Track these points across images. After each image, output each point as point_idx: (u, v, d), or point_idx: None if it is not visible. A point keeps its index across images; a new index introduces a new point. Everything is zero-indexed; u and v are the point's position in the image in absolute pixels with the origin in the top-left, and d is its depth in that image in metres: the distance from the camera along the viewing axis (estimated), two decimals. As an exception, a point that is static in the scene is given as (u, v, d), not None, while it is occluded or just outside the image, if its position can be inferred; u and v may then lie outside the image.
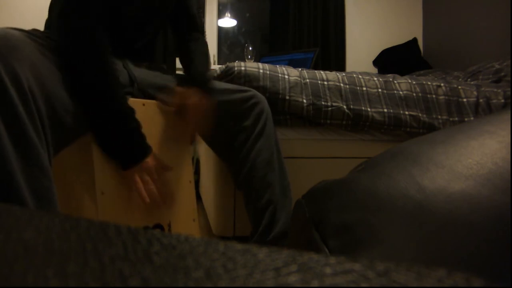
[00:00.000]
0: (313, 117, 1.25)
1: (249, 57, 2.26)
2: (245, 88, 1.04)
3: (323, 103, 1.25)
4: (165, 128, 0.93)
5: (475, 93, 1.41)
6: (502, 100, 1.40)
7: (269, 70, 1.25)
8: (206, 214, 1.47)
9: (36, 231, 0.17)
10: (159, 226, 0.89)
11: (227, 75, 1.23)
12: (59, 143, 0.70)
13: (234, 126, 0.99)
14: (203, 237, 0.16)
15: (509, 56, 1.85)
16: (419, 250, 0.25)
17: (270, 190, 0.98)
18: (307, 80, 1.27)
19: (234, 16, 3.15)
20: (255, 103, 1.01)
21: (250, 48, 2.27)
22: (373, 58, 2.96)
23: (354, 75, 1.35)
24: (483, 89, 1.44)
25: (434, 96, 1.36)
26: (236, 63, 1.24)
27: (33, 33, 0.72)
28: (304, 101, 1.23)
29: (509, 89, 1.45)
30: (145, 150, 0.81)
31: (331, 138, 1.33)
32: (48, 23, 0.92)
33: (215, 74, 1.31)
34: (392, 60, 2.86)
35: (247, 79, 1.21)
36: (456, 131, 0.34)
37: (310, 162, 1.32)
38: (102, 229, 0.17)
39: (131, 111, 0.80)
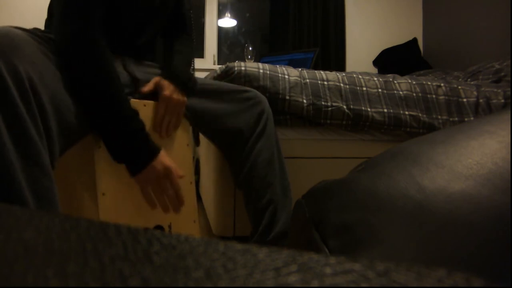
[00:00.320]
0: (313, 117, 1.25)
1: (249, 57, 2.26)
2: (246, 88, 1.04)
3: (323, 103, 1.25)
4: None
5: (475, 93, 1.41)
6: (502, 100, 1.40)
7: (269, 70, 1.25)
8: (206, 214, 1.47)
9: (36, 231, 0.17)
10: (159, 228, 0.89)
11: (227, 75, 1.23)
12: (64, 142, 0.70)
13: (235, 126, 0.99)
14: (203, 237, 0.16)
15: (509, 56, 1.85)
16: (419, 250, 0.25)
17: (270, 190, 0.98)
18: (307, 80, 1.27)
19: (234, 16, 3.15)
20: (255, 103, 1.01)
21: (250, 48, 2.27)
22: (373, 58, 2.96)
23: (354, 75, 1.35)
24: (483, 89, 1.44)
25: (434, 96, 1.36)
26: (236, 63, 1.24)
27: (35, 32, 0.72)
28: (304, 101, 1.23)
29: (509, 89, 1.45)
30: (152, 152, 0.79)
31: (331, 138, 1.33)
32: (47, 23, 0.92)
33: (215, 74, 1.31)
34: (392, 60, 2.86)
35: (247, 79, 1.21)
36: (456, 131, 0.34)
37: (310, 162, 1.32)
38: (102, 229, 0.17)
39: (134, 114, 0.78)
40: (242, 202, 1.05)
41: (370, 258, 0.25)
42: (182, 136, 0.97)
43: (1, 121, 0.57)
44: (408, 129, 1.31)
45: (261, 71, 1.23)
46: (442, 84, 1.40)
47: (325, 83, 1.28)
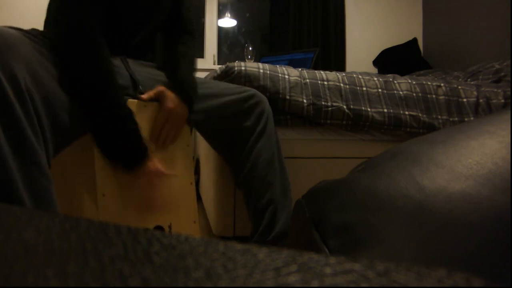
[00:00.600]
0: (313, 117, 1.25)
1: (249, 57, 2.26)
2: (246, 88, 1.04)
3: (323, 103, 1.25)
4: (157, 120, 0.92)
5: (475, 93, 1.41)
6: (502, 100, 1.40)
7: (269, 70, 1.25)
8: (206, 214, 1.47)
9: (36, 231, 0.17)
10: (159, 228, 0.89)
11: (227, 75, 1.23)
12: (58, 142, 0.70)
13: (235, 126, 0.99)
14: (203, 237, 0.16)
15: (509, 56, 1.85)
16: (419, 250, 0.25)
17: (270, 190, 0.98)
18: (307, 80, 1.27)
19: (234, 16, 3.15)
20: (256, 102, 1.00)
21: (250, 48, 2.27)
22: (373, 58, 2.96)
23: (354, 75, 1.35)
24: (483, 89, 1.44)
25: (434, 96, 1.36)
26: (236, 63, 1.24)
27: (31, 32, 0.72)
28: (304, 101, 1.23)
29: (509, 89, 1.45)
30: (143, 153, 0.80)
31: (331, 138, 1.33)
32: (47, 23, 0.92)
33: (215, 74, 1.31)
34: (392, 60, 2.86)
35: (247, 79, 1.21)
36: (456, 131, 0.34)
37: (310, 162, 1.32)
38: (102, 229, 0.17)
39: (129, 112, 0.78)
40: (242, 202, 1.05)
41: (370, 258, 0.25)
42: (182, 136, 0.97)
43: None
44: (408, 129, 1.31)
45: (261, 71, 1.23)
46: (442, 84, 1.40)
47: (325, 83, 1.28)
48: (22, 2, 2.59)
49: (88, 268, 0.13)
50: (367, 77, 1.36)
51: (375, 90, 1.32)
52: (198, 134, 1.41)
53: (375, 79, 1.36)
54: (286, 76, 1.25)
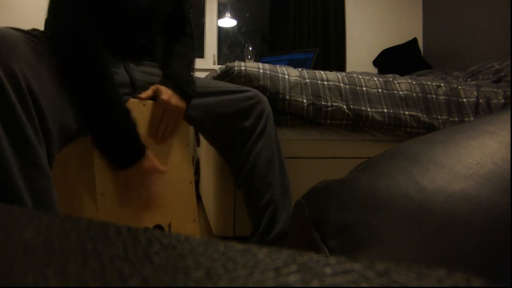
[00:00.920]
0: (313, 117, 1.25)
1: (249, 57, 2.26)
2: (246, 88, 1.04)
3: (323, 103, 1.25)
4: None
5: (475, 93, 1.41)
6: (502, 100, 1.40)
7: (269, 70, 1.25)
8: (206, 214, 1.47)
9: (36, 231, 0.17)
10: (159, 227, 0.89)
11: (227, 75, 1.23)
12: (60, 142, 0.70)
13: (235, 126, 0.99)
14: (203, 237, 0.16)
15: (509, 56, 1.85)
16: (419, 250, 0.25)
17: (270, 190, 0.98)
18: (307, 80, 1.27)
19: (234, 16, 3.15)
20: (256, 102, 1.00)
21: (250, 48, 2.27)
22: (373, 58, 2.96)
23: (354, 75, 1.35)
24: (483, 89, 1.44)
25: (434, 96, 1.36)
26: (236, 63, 1.24)
27: (31, 33, 0.72)
28: (304, 101, 1.23)
29: (509, 89, 1.45)
30: (140, 152, 0.80)
31: (331, 138, 1.33)
32: (47, 23, 0.92)
33: (215, 74, 1.31)
34: (392, 60, 2.86)
35: (247, 79, 1.21)
36: (456, 131, 0.34)
37: (310, 162, 1.32)
38: (102, 229, 0.17)
39: (127, 111, 0.79)
40: (242, 202, 1.05)
41: (370, 258, 0.25)
42: (182, 136, 0.97)
43: None
44: (408, 129, 1.31)
45: (261, 71, 1.23)
46: (442, 84, 1.40)
47: (325, 83, 1.28)
48: (22, 2, 2.59)
49: (88, 268, 0.13)
50: (367, 77, 1.36)
51: (375, 90, 1.32)
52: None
53: (375, 79, 1.36)
54: (286, 76, 1.25)
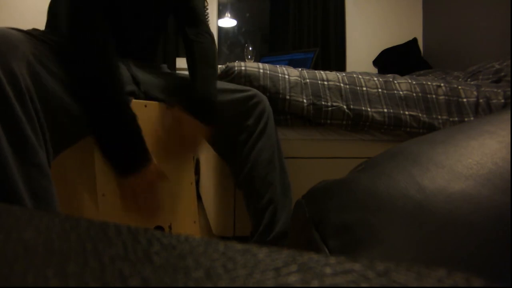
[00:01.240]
0: (313, 117, 1.25)
1: (249, 57, 2.26)
2: (247, 87, 1.04)
3: (323, 103, 1.25)
4: (167, 129, 0.92)
5: (475, 93, 1.41)
6: (502, 100, 1.40)
7: (269, 70, 1.25)
8: (206, 214, 1.47)
9: (36, 231, 0.17)
10: (159, 228, 0.89)
11: (227, 75, 1.23)
12: (59, 144, 0.70)
13: (236, 125, 0.99)
14: (203, 237, 0.16)
15: (509, 56, 1.85)
16: (419, 250, 0.25)
17: (271, 190, 0.97)
18: (307, 80, 1.27)
19: (234, 16, 3.15)
20: (256, 102, 1.00)
21: (250, 48, 2.26)
22: (373, 58, 2.96)
23: (354, 75, 1.35)
24: (483, 89, 1.44)
25: (434, 96, 1.36)
26: (236, 63, 1.24)
27: (33, 33, 0.71)
28: (304, 101, 1.23)
29: (509, 89, 1.45)
30: (146, 157, 0.79)
31: (331, 138, 1.33)
32: (47, 24, 0.92)
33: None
34: (392, 60, 2.86)
35: (248, 79, 1.21)
36: (456, 131, 0.34)
37: (310, 162, 1.32)
38: (102, 229, 0.17)
39: (133, 116, 0.78)
40: (242, 202, 1.05)
41: (370, 258, 0.25)
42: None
43: None
44: (408, 129, 1.31)
45: (261, 71, 1.23)
46: (442, 84, 1.40)
47: (325, 83, 1.28)
48: (22, 2, 2.59)
49: (88, 268, 0.13)
50: (367, 77, 1.36)
51: (375, 90, 1.32)
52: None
53: (375, 79, 1.36)
54: (286, 76, 1.25)
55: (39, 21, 0.89)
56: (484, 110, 1.37)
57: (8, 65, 0.59)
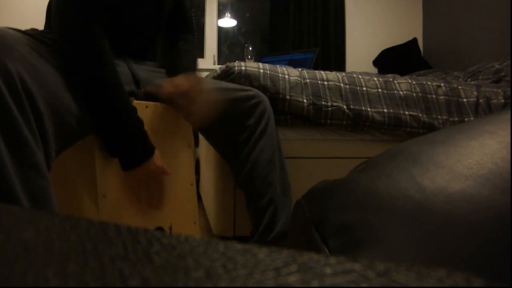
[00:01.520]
0: (313, 117, 1.25)
1: (249, 57, 2.26)
2: (247, 87, 1.04)
3: (323, 103, 1.25)
4: (168, 130, 0.93)
5: (475, 93, 1.41)
6: (502, 100, 1.40)
7: (269, 70, 1.25)
8: (206, 214, 1.47)
9: (36, 231, 0.17)
10: (160, 229, 0.89)
11: (227, 75, 1.23)
12: (59, 144, 0.70)
13: (236, 125, 0.99)
14: (203, 237, 0.16)
15: (509, 56, 1.85)
16: (419, 250, 0.25)
17: (271, 190, 0.98)
18: (307, 80, 1.27)
19: (234, 16, 3.15)
20: (257, 102, 1.00)
21: (250, 48, 2.27)
22: (373, 58, 2.96)
23: (354, 75, 1.35)
24: (483, 89, 1.44)
25: (434, 96, 1.36)
26: (236, 63, 1.24)
27: (31, 32, 0.71)
28: (305, 101, 1.23)
29: (509, 89, 1.45)
30: (149, 150, 0.80)
31: (331, 138, 1.33)
32: (47, 23, 0.92)
33: (215, 74, 1.31)
34: (392, 60, 2.86)
35: (248, 79, 1.21)
36: (456, 131, 0.34)
37: (310, 162, 1.32)
38: (102, 229, 0.17)
39: (134, 110, 0.79)
40: (242, 202, 1.05)
41: (370, 258, 0.25)
42: (183, 137, 0.97)
43: None
44: (408, 129, 1.31)
45: (261, 71, 1.23)
46: (442, 84, 1.40)
47: (325, 83, 1.28)
48: (22, 2, 2.59)
49: (88, 268, 0.13)
50: (367, 77, 1.36)
51: (375, 90, 1.32)
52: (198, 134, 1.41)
53: (375, 79, 1.36)
54: (286, 76, 1.25)
55: (39, 21, 0.89)
56: (484, 110, 1.37)
57: (4, 66, 0.59)
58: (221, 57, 3.06)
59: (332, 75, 1.32)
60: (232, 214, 1.21)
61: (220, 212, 1.22)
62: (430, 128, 1.31)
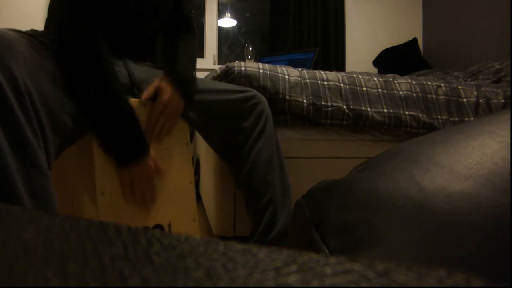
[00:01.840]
0: (313, 117, 1.25)
1: (249, 57, 2.26)
2: (246, 88, 1.04)
3: (323, 103, 1.24)
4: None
5: (475, 93, 1.41)
6: (502, 100, 1.40)
7: (269, 70, 1.24)
8: (206, 214, 1.47)
9: (36, 231, 0.17)
10: (159, 227, 0.89)
11: (227, 75, 1.23)
12: (59, 143, 0.70)
13: (235, 126, 0.99)
14: (203, 237, 0.16)
15: (509, 56, 1.85)
16: (419, 250, 0.25)
17: (270, 190, 0.98)
18: (307, 80, 1.27)
19: (234, 16, 3.15)
20: (255, 103, 1.00)
21: (250, 48, 2.27)
22: (373, 58, 2.96)
23: (354, 75, 1.35)
24: (483, 89, 1.44)
25: (434, 96, 1.36)
26: (236, 63, 1.24)
27: (31, 33, 0.72)
28: (304, 101, 1.23)
29: (509, 89, 1.45)
30: (144, 148, 0.81)
31: (331, 138, 1.33)
32: (47, 23, 0.92)
33: (215, 74, 1.31)
34: (392, 60, 2.86)
35: (247, 79, 1.21)
36: (456, 131, 0.34)
37: (310, 162, 1.32)
38: (102, 229, 0.17)
39: (130, 108, 0.80)
40: (242, 202, 1.05)
41: (370, 258, 0.25)
42: (181, 135, 0.97)
43: None
44: (408, 129, 1.31)
45: (261, 71, 1.23)
46: (442, 84, 1.40)
47: (325, 83, 1.28)
48: (22, 2, 2.59)
49: (88, 268, 0.13)
50: (367, 77, 1.35)
51: (375, 90, 1.32)
52: (198, 134, 1.41)
53: (375, 79, 1.36)
54: (286, 76, 1.25)
55: (39, 22, 0.89)
56: (484, 110, 1.37)
57: (7, 67, 0.59)
58: (221, 57, 3.06)
59: (332, 75, 1.32)
60: (232, 214, 1.21)
61: (220, 212, 1.22)
62: (430, 128, 1.31)
